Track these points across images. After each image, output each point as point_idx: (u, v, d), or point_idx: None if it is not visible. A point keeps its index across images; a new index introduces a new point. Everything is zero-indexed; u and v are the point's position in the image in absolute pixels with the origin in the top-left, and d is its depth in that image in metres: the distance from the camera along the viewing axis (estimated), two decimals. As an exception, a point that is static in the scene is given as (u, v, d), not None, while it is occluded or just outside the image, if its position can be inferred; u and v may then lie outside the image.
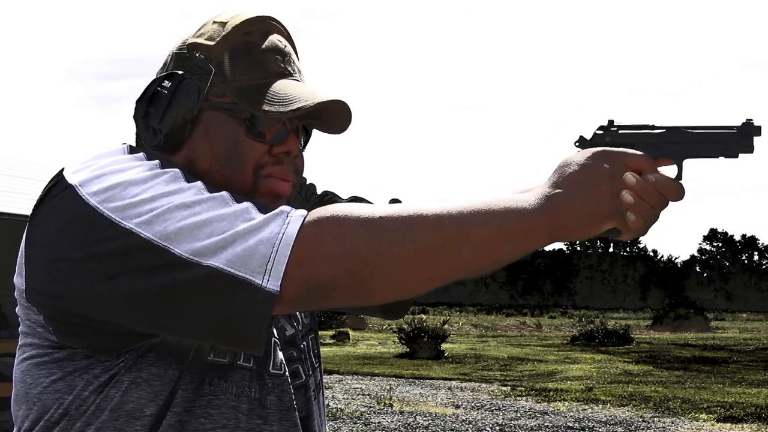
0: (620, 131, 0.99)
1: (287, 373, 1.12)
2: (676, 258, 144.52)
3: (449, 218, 0.89)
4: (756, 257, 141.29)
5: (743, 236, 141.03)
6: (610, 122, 1.00)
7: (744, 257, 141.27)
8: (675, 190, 0.94)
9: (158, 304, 0.91)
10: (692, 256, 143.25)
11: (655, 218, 0.94)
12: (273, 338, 1.12)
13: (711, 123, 0.99)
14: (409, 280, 0.91)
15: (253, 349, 0.92)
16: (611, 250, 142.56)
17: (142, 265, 0.91)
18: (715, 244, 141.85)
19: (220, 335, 0.92)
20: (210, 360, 1.04)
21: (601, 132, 1.00)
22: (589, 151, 0.94)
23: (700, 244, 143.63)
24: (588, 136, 1.00)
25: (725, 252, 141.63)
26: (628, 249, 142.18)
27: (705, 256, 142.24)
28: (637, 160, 0.93)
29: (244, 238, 0.89)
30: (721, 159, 0.97)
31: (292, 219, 0.91)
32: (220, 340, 0.93)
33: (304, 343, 1.20)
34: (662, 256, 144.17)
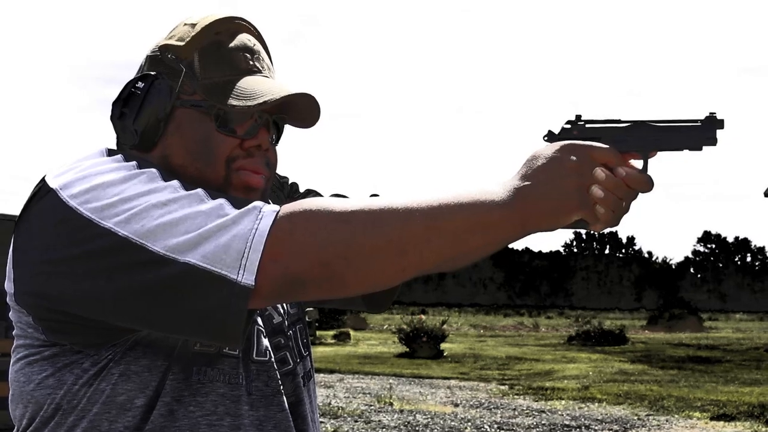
0: (587, 125, 1.00)
1: (273, 360, 1.14)
2: (670, 260, 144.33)
3: (419, 210, 0.91)
4: (749, 259, 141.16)
5: (736, 238, 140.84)
6: (578, 116, 1.01)
7: (737, 259, 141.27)
8: (643, 183, 0.95)
9: (138, 301, 0.93)
10: (686, 258, 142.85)
11: (626, 210, 0.96)
12: (257, 327, 1.14)
13: (678, 117, 1.01)
14: (381, 270, 0.92)
15: (232, 343, 0.93)
16: (607, 251, 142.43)
17: (121, 263, 0.92)
18: (708, 246, 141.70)
19: (199, 330, 0.93)
20: (197, 349, 1.05)
21: (568, 126, 1.01)
22: (557, 144, 0.95)
23: (694, 246, 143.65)
24: (556, 131, 1.02)
25: (719, 254, 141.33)
26: (623, 251, 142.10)
27: (699, 257, 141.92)
28: (604, 153, 0.95)
29: (218, 234, 0.91)
30: (686, 151, 0.99)
31: (265, 214, 0.93)
32: (200, 334, 0.95)
33: (292, 331, 1.22)
34: (657, 258, 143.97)
